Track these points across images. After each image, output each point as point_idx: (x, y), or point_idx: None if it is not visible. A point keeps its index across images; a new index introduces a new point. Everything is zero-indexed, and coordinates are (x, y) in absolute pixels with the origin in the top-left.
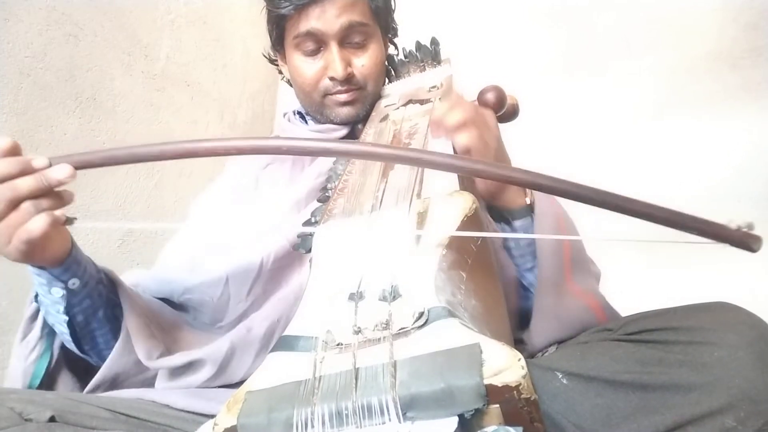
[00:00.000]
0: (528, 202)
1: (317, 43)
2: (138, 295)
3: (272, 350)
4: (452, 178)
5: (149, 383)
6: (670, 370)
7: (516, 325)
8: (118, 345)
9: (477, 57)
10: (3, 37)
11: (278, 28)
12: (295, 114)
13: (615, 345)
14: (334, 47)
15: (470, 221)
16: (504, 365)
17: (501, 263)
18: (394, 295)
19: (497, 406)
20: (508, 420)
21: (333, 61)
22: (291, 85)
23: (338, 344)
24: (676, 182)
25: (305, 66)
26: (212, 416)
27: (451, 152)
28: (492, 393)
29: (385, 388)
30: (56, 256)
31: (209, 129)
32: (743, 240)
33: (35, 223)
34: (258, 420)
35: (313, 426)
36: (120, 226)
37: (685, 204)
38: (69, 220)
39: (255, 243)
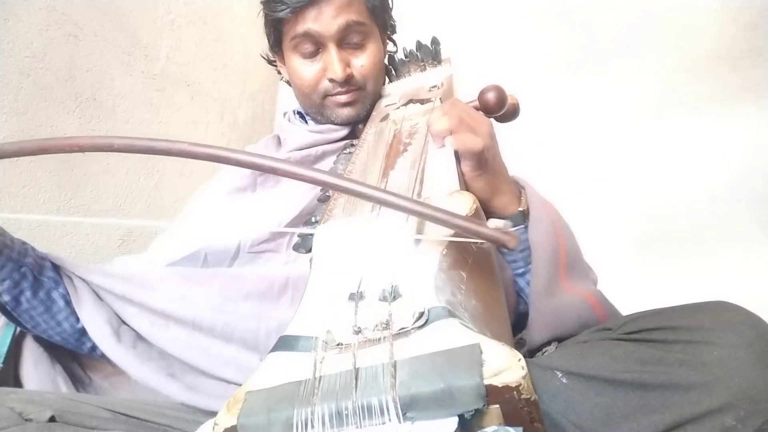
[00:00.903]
0: (521, 209)
1: (315, 44)
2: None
3: (272, 350)
4: (453, 179)
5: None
6: (670, 370)
7: (513, 326)
8: (86, 300)
9: (477, 56)
10: (3, 37)
11: (276, 31)
12: (295, 114)
13: (615, 344)
14: (332, 48)
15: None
16: (504, 365)
17: (501, 264)
18: (394, 295)
19: (497, 406)
20: (508, 420)
21: (332, 62)
22: (290, 85)
23: (338, 344)
24: (676, 182)
25: (304, 68)
26: (210, 411)
27: (453, 159)
28: (492, 393)
29: (385, 388)
30: None
31: (209, 129)
32: (497, 238)
33: None
34: (258, 420)
35: (313, 426)
36: (15, 217)
37: (685, 203)
38: None
39: (235, 230)
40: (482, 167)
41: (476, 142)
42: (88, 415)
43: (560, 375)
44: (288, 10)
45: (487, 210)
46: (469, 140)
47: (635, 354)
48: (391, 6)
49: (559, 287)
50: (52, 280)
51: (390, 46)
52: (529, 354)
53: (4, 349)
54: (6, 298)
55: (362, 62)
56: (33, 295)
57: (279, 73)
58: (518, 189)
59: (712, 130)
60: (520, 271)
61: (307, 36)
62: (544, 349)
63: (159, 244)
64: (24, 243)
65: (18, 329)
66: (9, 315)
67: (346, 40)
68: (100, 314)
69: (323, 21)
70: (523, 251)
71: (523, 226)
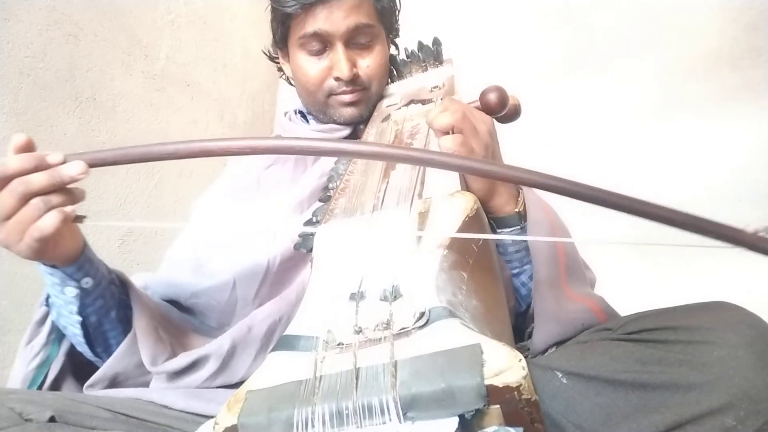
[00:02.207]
0: (517, 209)
1: (323, 43)
2: (148, 298)
3: (273, 350)
4: (454, 179)
5: (148, 384)
6: (670, 370)
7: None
8: (122, 345)
9: (479, 57)
10: (3, 37)
11: (283, 26)
12: (296, 113)
13: (615, 344)
14: (339, 48)
15: (471, 221)
16: (505, 366)
17: (501, 263)
18: (395, 295)
19: (498, 406)
20: (509, 420)
21: (339, 61)
22: (291, 84)
23: (339, 344)
24: (677, 182)
25: (310, 65)
26: (211, 417)
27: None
28: (493, 393)
29: (386, 388)
30: (68, 254)
31: (209, 129)
32: (759, 244)
33: (46, 220)
34: (258, 419)
35: (313, 426)
36: (122, 225)
37: (685, 204)
38: (79, 218)
39: (260, 245)
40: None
41: (478, 143)
42: (88, 415)
43: (560, 375)
44: (298, 6)
45: (483, 209)
46: (470, 141)
47: (635, 354)
48: (398, 9)
49: (562, 293)
50: (128, 297)
51: (391, 49)
52: (531, 356)
53: (34, 388)
54: (93, 319)
55: (368, 63)
56: (116, 315)
57: (280, 70)
58: (516, 189)
59: (713, 130)
60: (515, 271)
61: (316, 35)
62: (544, 351)
63: (175, 252)
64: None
65: (58, 368)
66: (87, 337)
67: (354, 40)
68: (120, 365)
69: (333, 21)
70: (518, 251)
71: (518, 227)
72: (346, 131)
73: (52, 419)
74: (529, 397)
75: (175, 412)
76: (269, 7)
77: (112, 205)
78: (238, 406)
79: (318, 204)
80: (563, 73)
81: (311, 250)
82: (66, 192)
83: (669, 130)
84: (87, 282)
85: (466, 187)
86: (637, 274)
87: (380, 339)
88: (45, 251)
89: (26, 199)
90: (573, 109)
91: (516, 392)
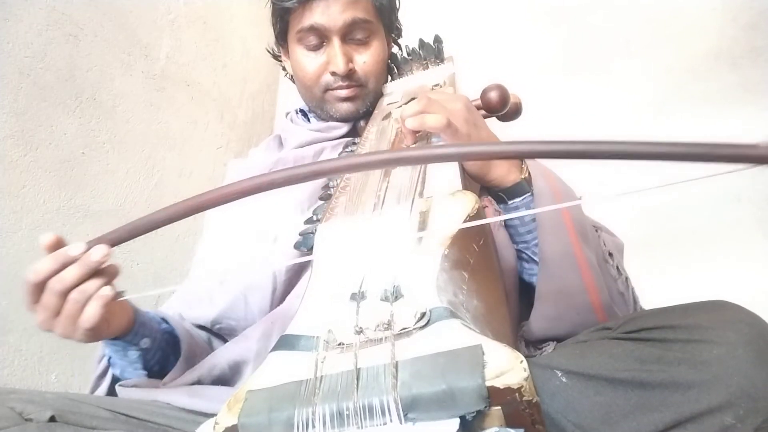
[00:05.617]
0: (523, 176)
1: (320, 38)
2: (190, 336)
3: (273, 349)
4: (455, 178)
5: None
6: (669, 368)
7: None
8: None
9: (479, 56)
10: (3, 37)
11: (282, 21)
12: (297, 113)
13: (614, 343)
14: (336, 42)
15: (473, 220)
16: (506, 367)
17: (504, 244)
18: (395, 295)
19: (499, 407)
20: (510, 422)
21: (335, 56)
22: (293, 82)
23: (340, 344)
24: (676, 182)
25: (307, 60)
26: (212, 415)
27: (458, 172)
28: (494, 395)
29: (387, 389)
30: (123, 326)
31: (209, 129)
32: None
33: (89, 311)
34: (259, 419)
35: (314, 426)
36: (156, 292)
37: (685, 203)
38: (119, 294)
39: (266, 256)
40: (462, 141)
41: (440, 118)
42: (88, 415)
43: (560, 374)
44: (295, 0)
45: (488, 185)
46: (435, 117)
47: (635, 353)
48: (397, 7)
49: (574, 255)
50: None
51: (394, 49)
52: (527, 346)
53: None
54: (156, 368)
55: (365, 59)
56: (175, 356)
57: (284, 69)
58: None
59: (712, 130)
60: (537, 241)
61: (313, 29)
62: (543, 349)
63: (195, 275)
64: (147, 312)
65: None
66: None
67: (351, 35)
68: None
69: (330, 15)
70: (530, 232)
71: (529, 194)
72: (344, 128)
73: (52, 419)
74: (531, 398)
75: (175, 412)
76: (269, 3)
77: (112, 205)
78: (238, 406)
79: (319, 203)
80: (563, 72)
81: (311, 248)
82: (100, 274)
83: (668, 129)
84: (145, 343)
85: (467, 186)
86: (637, 274)
87: (381, 339)
88: (100, 334)
89: (65, 294)
90: (573, 108)
91: (517, 394)
